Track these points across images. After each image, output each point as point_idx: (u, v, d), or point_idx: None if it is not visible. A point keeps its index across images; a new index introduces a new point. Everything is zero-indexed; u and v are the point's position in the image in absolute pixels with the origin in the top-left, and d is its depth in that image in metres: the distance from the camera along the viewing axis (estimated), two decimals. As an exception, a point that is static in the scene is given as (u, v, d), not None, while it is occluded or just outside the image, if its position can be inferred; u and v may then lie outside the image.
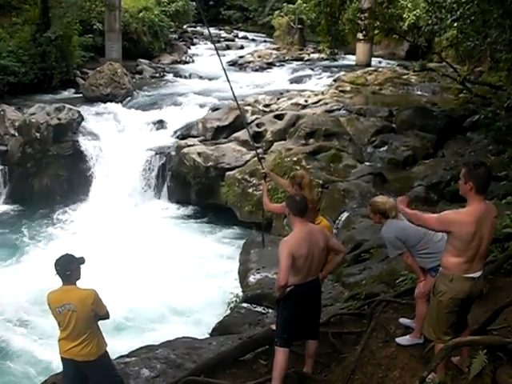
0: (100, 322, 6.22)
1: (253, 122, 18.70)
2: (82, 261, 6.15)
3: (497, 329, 5.94)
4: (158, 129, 20.27)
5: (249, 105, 20.02)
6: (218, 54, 9.24)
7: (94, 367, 6.10)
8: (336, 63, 31.06)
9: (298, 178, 7.01)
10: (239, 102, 19.13)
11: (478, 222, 5.04)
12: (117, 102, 22.37)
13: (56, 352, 6.36)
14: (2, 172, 18.23)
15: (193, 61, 33.19)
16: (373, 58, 29.90)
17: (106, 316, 6.19)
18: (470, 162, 5.24)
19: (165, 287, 13.05)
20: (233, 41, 40.61)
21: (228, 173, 16.88)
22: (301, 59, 32.74)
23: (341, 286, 9.99)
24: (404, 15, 24.07)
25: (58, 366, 7.44)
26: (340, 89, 22.74)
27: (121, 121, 20.44)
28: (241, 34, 44.90)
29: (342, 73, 25.76)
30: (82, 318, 5.96)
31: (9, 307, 12.56)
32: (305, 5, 33.17)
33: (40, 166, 18.36)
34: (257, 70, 30.29)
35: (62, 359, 6.21)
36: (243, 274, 11.70)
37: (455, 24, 15.94)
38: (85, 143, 18.95)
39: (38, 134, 18.34)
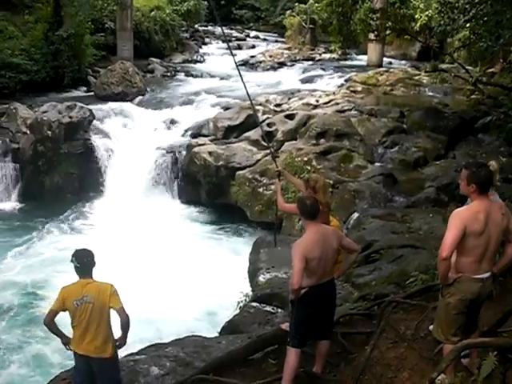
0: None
1: (264, 121, 18.69)
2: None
3: (507, 331, 5.93)
4: (168, 128, 20.30)
5: (260, 104, 20.02)
6: (231, 52, 9.27)
7: (107, 365, 6.09)
8: (347, 63, 31.10)
9: (313, 182, 6.90)
10: (250, 102, 19.06)
11: (484, 216, 5.07)
12: (128, 101, 22.42)
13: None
14: (13, 170, 18.31)
15: (204, 60, 33.23)
16: (384, 59, 29.84)
17: (123, 315, 6.02)
18: (471, 165, 5.31)
19: (174, 286, 13.06)
20: (244, 40, 40.62)
21: (238, 172, 16.89)
22: (312, 59, 32.71)
23: (350, 286, 9.96)
24: (416, 16, 24.00)
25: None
26: (351, 89, 22.69)
27: (132, 119, 20.49)
28: (252, 33, 44.89)
29: (354, 73, 25.66)
30: (99, 311, 5.95)
31: (20, 304, 12.68)
32: (317, 4, 33.16)
33: (51, 163, 18.43)
34: (268, 70, 30.29)
35: (76, 354, 6.19)
36: (253, 274, 11.71)
37: (468, 25, 15.92)
38: (96, 142, 19.03)
39: (49, 132, 18.43)
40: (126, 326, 6.07)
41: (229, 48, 9.77)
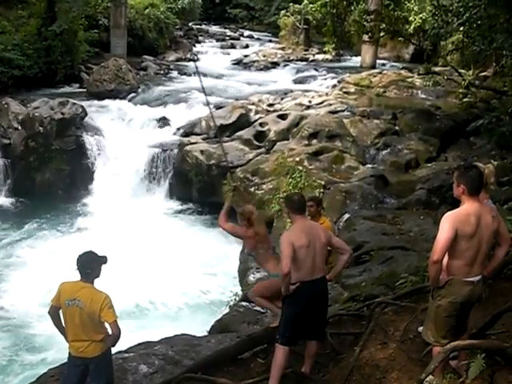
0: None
1: (256, 121, 18.70)
2: (104, 260, 5.98)
3: (495, 333, 5.94)
4: (161, 126, 20.27)
5: (253, 104, 20.02)
6: (194, 61, 9.32)
7: (101, 361, 5.94)
8: (341, 64, 31.12)
9: (247, 214, 7.05)
10: (244, 101, 19.20)
11: (475, 219, 5.09)
12: (121, 98, 22.35)
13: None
14: (4, 165, 18.26)
15: (198, 59, 33.16)
16: (378, 61, 29.87)
17: (115, 329, 5.79)
18: (461, 166, 5.34)
19: (164, 284, 13.05)
20: (238, 39, 40.59)
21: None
22: (306, 59, 32.71)
23: (340, 287, 9.98)
24: (410, 18, 24.12)
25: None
26: (344, 90, 22.69)
27: (124, 117, 20.44)
28: (246, 32, 44.86)
29: (347, 74, 25.66)
30: (88, 318, 5.76)
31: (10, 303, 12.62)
32: (311, 5, 33.20)
33: (43, 160, 18.36)
34: (261, 70, 30.26)
35: (70, 355, 6.00)
36: (243, 273, 11.74)
37: (461, 28, 15.97)
38: (88, 138, 18.97)
39: (41, 128, 18.37)
40: (115, 340, 5.90)
41: (194, 55, 9.83)
